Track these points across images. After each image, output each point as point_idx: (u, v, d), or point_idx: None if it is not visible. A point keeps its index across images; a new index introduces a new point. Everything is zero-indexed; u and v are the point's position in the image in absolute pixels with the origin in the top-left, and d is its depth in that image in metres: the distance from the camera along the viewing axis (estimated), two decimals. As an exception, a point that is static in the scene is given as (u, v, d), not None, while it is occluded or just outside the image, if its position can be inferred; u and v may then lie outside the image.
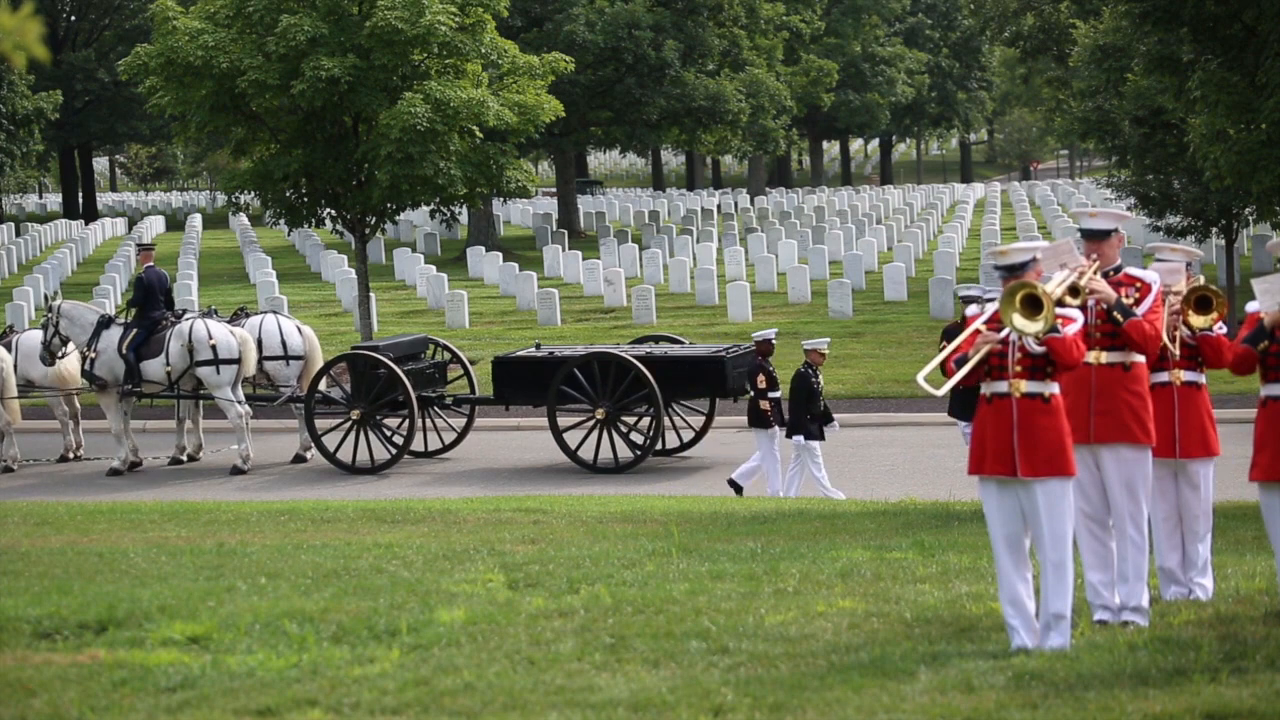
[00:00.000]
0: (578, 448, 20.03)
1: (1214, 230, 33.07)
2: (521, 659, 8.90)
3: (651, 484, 19.34)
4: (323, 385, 21.09)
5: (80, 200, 75.21)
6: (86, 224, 63.75)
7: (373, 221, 28.77)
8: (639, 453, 20.04)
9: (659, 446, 20.70)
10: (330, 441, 20.92)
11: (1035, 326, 8.73)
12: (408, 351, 21.54)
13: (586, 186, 74.80)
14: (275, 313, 22.93)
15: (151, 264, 22.41)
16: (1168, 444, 10.09)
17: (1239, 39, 23.45)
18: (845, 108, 77.71)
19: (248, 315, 22.33)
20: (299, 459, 21.77)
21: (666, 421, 20.81)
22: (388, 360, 20.58)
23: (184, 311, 22.46)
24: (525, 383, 20.47)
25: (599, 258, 42.29)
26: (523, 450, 22.02)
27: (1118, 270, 9.75)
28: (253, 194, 28.78)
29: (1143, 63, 26.70)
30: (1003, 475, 8.94)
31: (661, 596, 10.57)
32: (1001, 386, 8.98)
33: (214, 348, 21.24)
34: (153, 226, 63.81)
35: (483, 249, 45.71)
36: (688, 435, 21.42)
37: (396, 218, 30.64)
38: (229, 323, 22.00)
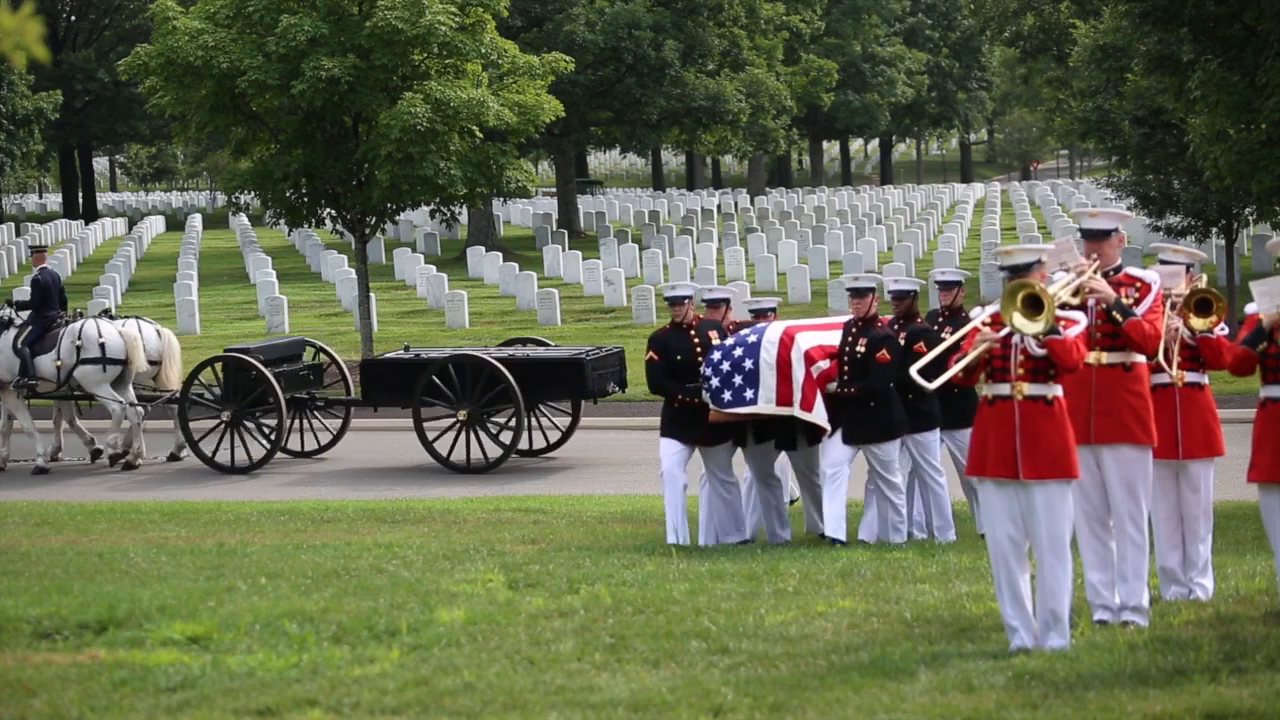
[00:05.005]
0: (449, 452, 20.28)
1: (1214, 230, 33.06)
2: (521, 659, 8.90)
3: (652, 484, 19.34)
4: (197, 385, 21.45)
5: (80, 200, 75.19)
6: (86, 224, 63.73)
7: (373, 221, 28.77)
8: (502, 453, 20.27)
9: (526, 447, 21.00)
10: (211, 442, 21.23)
11: (1035, 327, 8.73)
12: (282, 354, 21.95)
13: (586, 186, 74.76)
14: (138, 318, 23.05)
15: (45, 265, 22.70)
16: (1170, 445, 10.10)
17: (1239, 39, 23.44)
18: (845, 108, 77.67)
19: (113, 318, 22.46)
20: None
21: (546, 421, 21.15)
22: (257, 362, 20.90)
23: (79, 312, 22.73)
24: (392, 385, 20.80)
25: (599, 258, 42.28)
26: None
27: (1118, 270, 9.76)
28: (253, 194, 28.77)
29: (1143, 63, 26.70)
30: (1004, 478, 8.94)
31: (661, 596, 10.57)
32: (1003, 389, 8.97)
33: (102, 346, 21.47)
34: (153, 226, 63.79)
35: (483, 249, 45.71)
36: (557, 435, 21.58)
37: (396, 218, 30.63)
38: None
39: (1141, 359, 9.70)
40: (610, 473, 19.89)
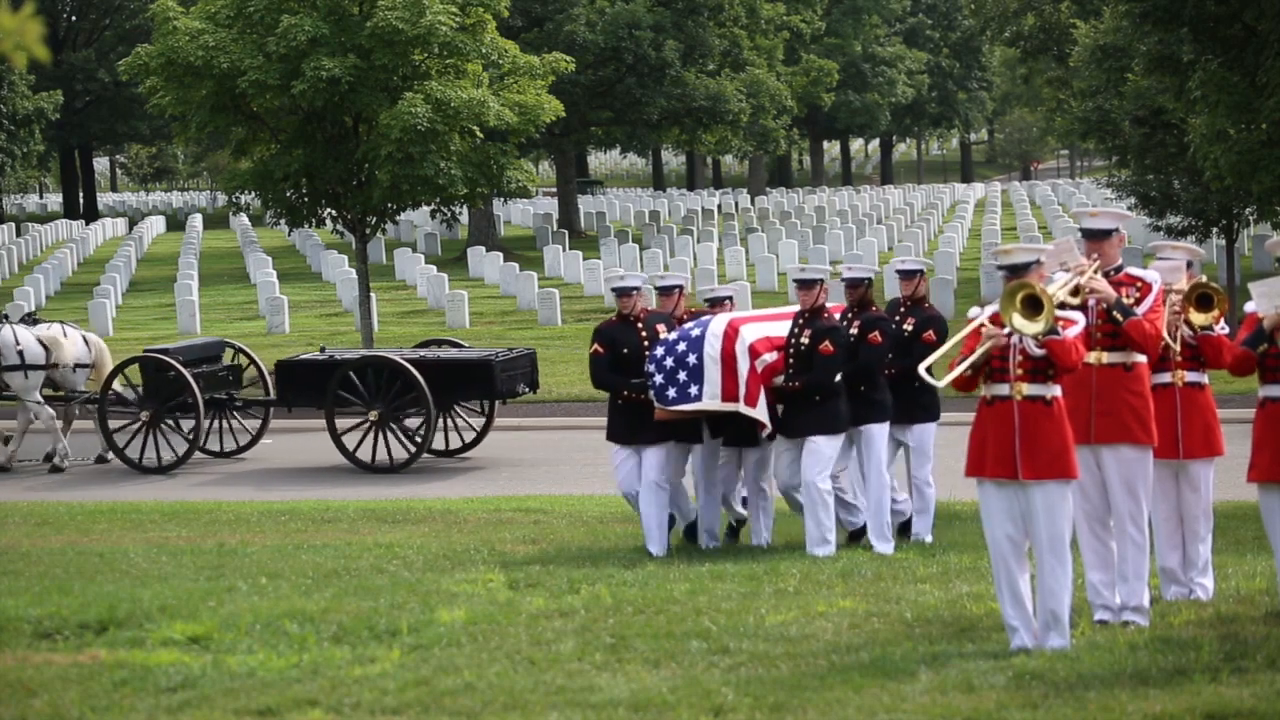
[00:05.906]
0: (372, 456, 20.48)
1: (1214, 230, 33.07)
2: (522, 659, 8.90)
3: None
4: (117, 386, 21.58)
5: (81, 200, 75.20)
6: (87, 224, 63.73)
7: (373, 221, 28.77)
8: (412, 452, 20.49)
9: (441, 447, 21.25)
10: (125, 441, 21.41)
11: (1035, 327, 8.73)
12: (201, 355, 22.21)
13: (587, 186, 74.76)
14: (62, 323, 23.13)
15: None
16: (1170, 445, 10.09)
17: (1239, 39, 23.47)
18: (845, 108, 77.66)
19: (36, 322, 22.52)
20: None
21: (461, 422, 21.36)
22: (175, 363, 21.13)
23: (4, 316, 22.80)
24: (306, 385, 21.06)
25: (599, 258, 42.29)
26: (522, 449, 22.05)
27: (1118, 270, 9.75)
28: (253, 194, 28.78)
29: (1143, 63, 26.72)
30: (1003, 478, 8.93)
31: (662, 596, 10.58)
32: (1002, 389, 8.97)
33: (21, 354, 21.53)
34: (153, 226, 63.79)
35: (483, 249, 45.71)
36: (472, 435, 21.77)
37: (397, 218, 30.64)
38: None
39: (1142, 359, 9.70)
40: (610, 474, 19.90)
